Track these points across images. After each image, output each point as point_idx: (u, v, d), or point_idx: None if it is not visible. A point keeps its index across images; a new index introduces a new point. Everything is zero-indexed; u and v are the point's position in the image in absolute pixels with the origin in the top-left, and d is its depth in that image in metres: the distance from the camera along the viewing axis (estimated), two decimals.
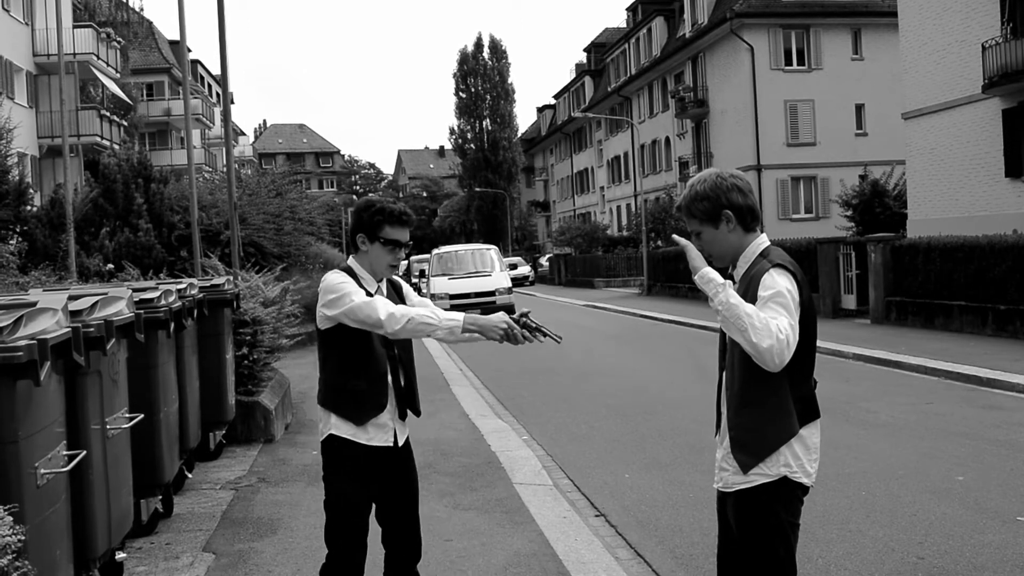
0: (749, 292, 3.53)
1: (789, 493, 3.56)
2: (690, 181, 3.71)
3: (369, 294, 4.29)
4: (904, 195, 28.45)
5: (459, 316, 4.17)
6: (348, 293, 4.20)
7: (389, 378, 4.39)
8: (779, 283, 3.47)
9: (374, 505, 4.44)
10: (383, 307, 4.15)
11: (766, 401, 3.51)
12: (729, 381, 3.66)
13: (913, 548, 6.15)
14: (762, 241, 3.67)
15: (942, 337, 16.84)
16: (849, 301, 22.14)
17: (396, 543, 4.49)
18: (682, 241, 3.58)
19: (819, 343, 11.74)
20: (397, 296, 4.56)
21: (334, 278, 4.31)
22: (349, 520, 4.33)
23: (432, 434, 10.24)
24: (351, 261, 4.45)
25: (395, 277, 4.63)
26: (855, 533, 6.44)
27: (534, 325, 4.18)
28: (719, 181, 3.62)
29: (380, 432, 4.34)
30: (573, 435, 10.39)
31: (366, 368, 4.31)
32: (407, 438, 4.52)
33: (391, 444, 4.37)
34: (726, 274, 3.72)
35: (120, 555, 5.83)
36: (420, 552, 4.54)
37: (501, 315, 4.19)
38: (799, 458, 3.57)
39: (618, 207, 63.01)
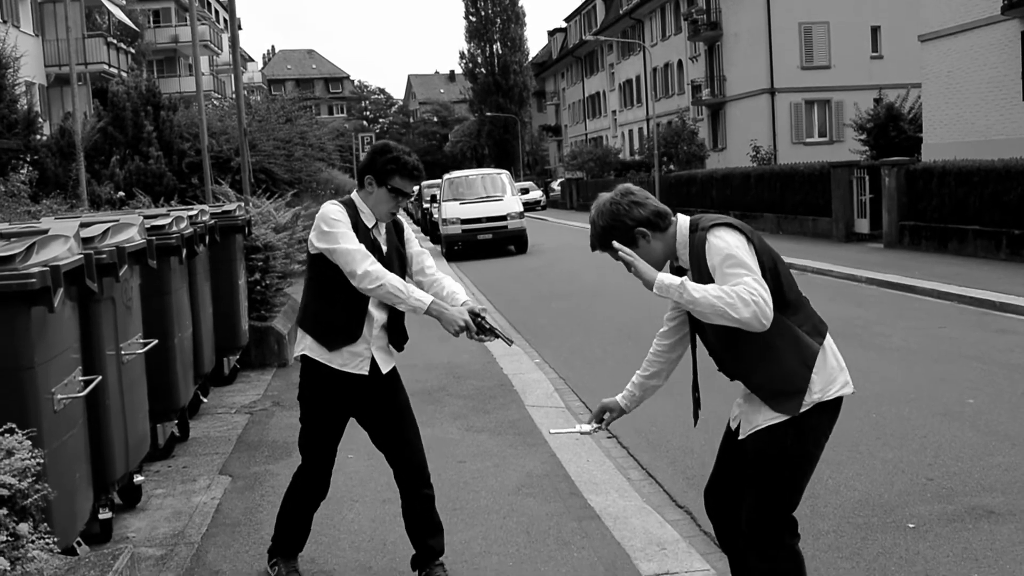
0: (702, 268, 3.50)
1: (817, 421, 3.55)
2: (590, 218, 3.69)
3: (366, 228, 4.40)
4: (919, 119, 28.11)
5: (427, 299, 4.28)
6: (337, 234, 4.30)
7: (371, 309, 4.46)
8: (721, 244, 3.43)
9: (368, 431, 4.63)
10: (363, 262, 4.25)
11: (775, 344, 3.47)
12: (725, 358, 3.64)
13: (923, 470, 6.19)
14: (682, 222, 3.63)
15: (955, 261, 16.77)
16: (862, 225, 22.02)
17: (397, 466, 4.65)
18: (626, 256, 3.51)
19: (832, 267, 11.73)
20: (397, 237, 4.62)
21: (330, 211, 4.39)
22: (318, 434, 4.60)
23: (445, 358, 10.30)
24: (355, 195, 4.53)
25: (399, 219, 4.68)
26: (865, 455, 6.48)
27: (487, 326, 4.33)
28: (615, 208, 3.60)
29: (354, 359, 4.46)
30: (585, 358, 10.44)
31: (344, 298, 4.40)
32: (393, 368, 4.61)
33: (366, 373, 4.48)
34: (677, 271, 3.68)
35: (138, 478, 5.91)
36: (425, 473, 4.65)
37: (463, 311, 4.31)
38: (832, 374, 3.56)
39: (630, 131, 62.50)
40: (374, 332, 4.50)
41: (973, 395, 7.95)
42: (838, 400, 3.60)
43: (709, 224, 3.52)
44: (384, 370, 4.56)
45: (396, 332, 4.58)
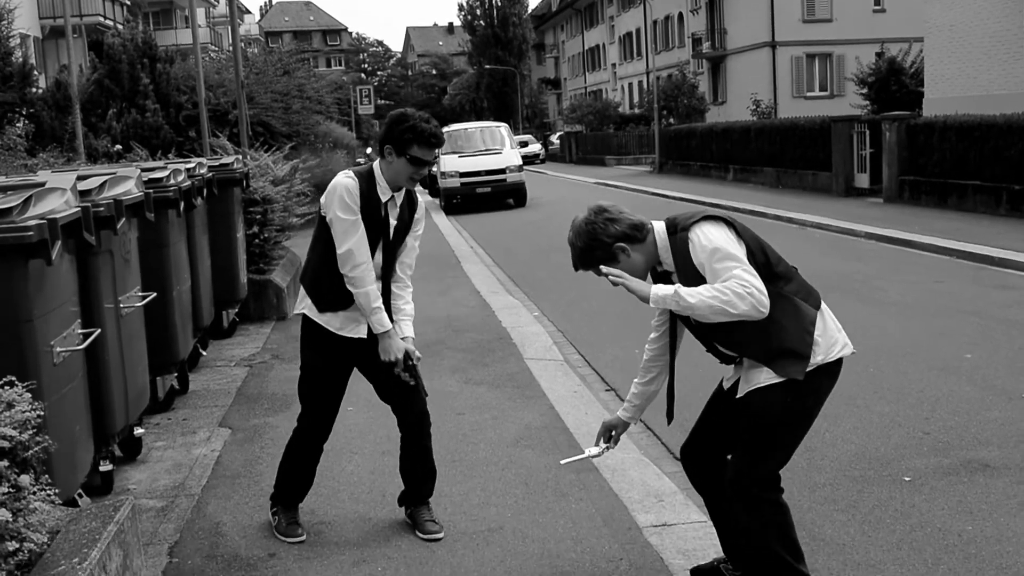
0: (687, 267, 3.52)
1: (819, 383, 3.59)
2: (569, 239, 3.72)
3: (378, 202, 4.45)
4: (921, 73, 27.90)
5: (384, 327, 4.45)
6: (339, 220, 4.39)
7: None
8: (704, 240, 3.47)
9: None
10: (349, 261, 4.37)
11: (774, 316, 3.47)
12: (725, 343, 3.65)
13: (919, 423, 6.22)
14: (658, 228, 3.66)
15: (955, 217, 16.74)
16: (862, 180, 21.94)
17: (400, 416, 4.76)
18: (616, 279, 3.53)
19: (831, 222, 11.75)
20: (408, 212, 4.64)
21: (343, 191, 4.41)
22: (315, 386, 4.71)
23: (444, 311, 10.32)
24: (376, 165, 4.55)
25: (415, 195, 4.73)
26: (862, 408, 6.51)
27: (416, 372, 4.56)
28: (591, 227, 3.62)
29: (350, 323, 4.56)
30: (584, 311, 10.46)
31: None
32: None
33: (364, 336, 4.56)
34: (662, 275, 3.73)
35: (138, 431, 5.94)
36: (425, 424, 4.75)
37: (402, 347, 4.49)
38: (832, 336, 3.60)
39: (630, 84, 62.13)
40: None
41: (970, 350, 7.97)
42: (839, 361, 3.64)
43: (688, 223, 3.56)
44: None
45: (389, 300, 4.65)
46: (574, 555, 4.37)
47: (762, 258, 3.52)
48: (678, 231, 3.58)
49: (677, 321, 3.84)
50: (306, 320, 4.63)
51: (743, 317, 3.36)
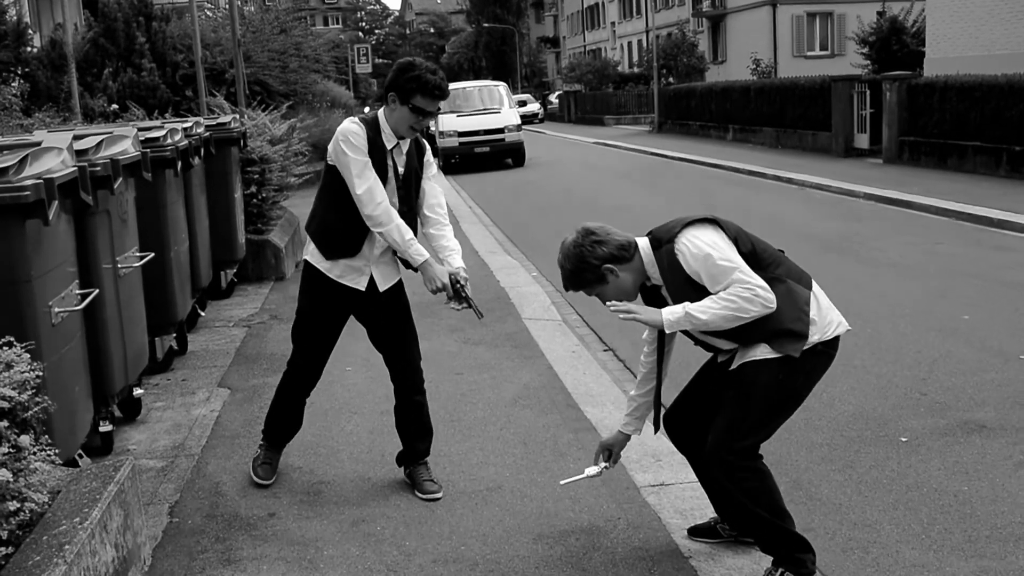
0: (677, 279, 3.56)
1: (814, 363, 3.62)
2: (559, 262, 3.78)
3: (383, 149, 4.45)
4: (923, 32, 27.69)
5: (422, 256, 4.42)
6: (351, 161, 4.37)
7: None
8: (693, 249, 3.51)
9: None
10: (369, 204, 4.36)
11: None
12: (724, 336, 3.65)
13: (916, 384, 6.24)
14: (643, 244, 3.69)
15: (955, 178, 16.69)
16: (862, 140, 21.86)
17: (392, 370, 4.81)
18: (625, 315, 3.62)
19: (830, 182, 11.77)
20: (417, 159, 4.65)
21: (349, 132, 4.43)
22: (307, 331, 4.76)
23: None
24: (380, 112, 4.54)
25: (422, 140, 4.73)
26: (860, 369, 6.53)
27: (464, 295, 4.52)
28: (580, 250, 3.68)
29: (351, 272, 4.59)
30: None
31: (350, 213, 4.46)
32: (395, 284, 4.71)
33: (362, 289, 4.59)
34: (651, 290, 3.77)
35: (137, 391, 5.95)
36: (418, 380, 4.81)
37: (444, 272, 4.48)
38: (826, 314, 3.63)
39: (629, 43, 61.70)
40: (375, 251, 4.59)
41: (969, 311, 7.98)
42: (835, 341, 3.67)
43: (671, 235, 3.58)
44: (382, 287, 4.64)
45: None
46: (572, 514, 4.39)
47: (748, 247, 3.56)
48: (662, 245, 3.61)
49: (665, 337, 3.88)
50: (307, 266, 4.68)
51: (755, 318, 3.43)
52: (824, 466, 5.03)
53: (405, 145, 4.56)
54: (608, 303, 3.69)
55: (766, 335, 3.55)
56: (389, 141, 4.49)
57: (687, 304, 3.49)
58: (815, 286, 3.69)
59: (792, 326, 3.53)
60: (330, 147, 4.50)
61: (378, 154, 4.44)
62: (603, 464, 4.19)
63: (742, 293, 3.39)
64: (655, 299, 3.75)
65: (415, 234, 4.56)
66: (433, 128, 27.27)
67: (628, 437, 4.16)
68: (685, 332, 3.75)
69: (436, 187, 4.74)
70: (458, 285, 4.50)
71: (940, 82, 18.89)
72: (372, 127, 4.47)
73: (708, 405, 3.84)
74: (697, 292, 3.52)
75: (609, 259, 3.66)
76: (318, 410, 5.85)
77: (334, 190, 4.51)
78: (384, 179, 4.47)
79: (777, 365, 3.56)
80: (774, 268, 3.59)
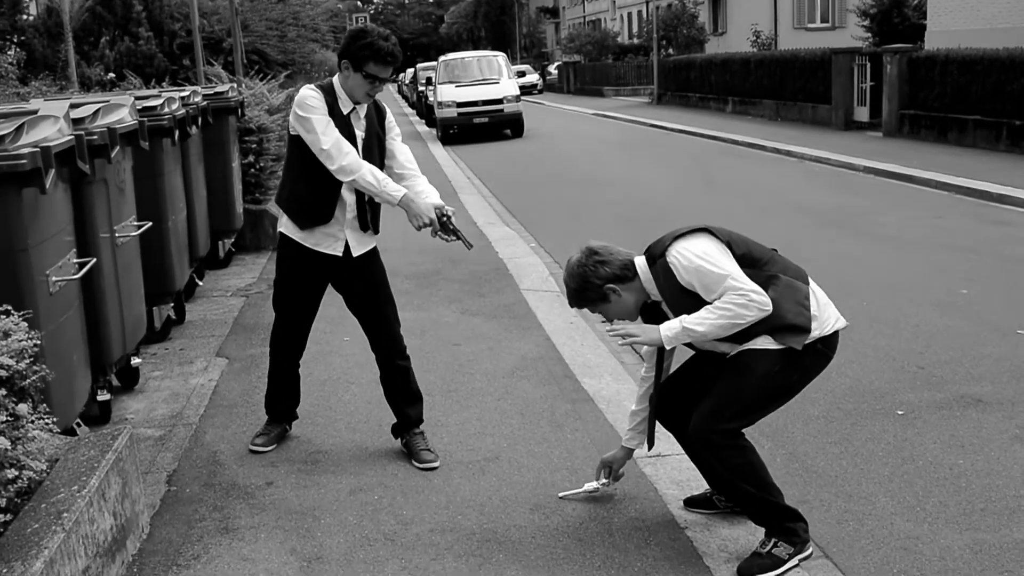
0: (674, 291, 3.59)
1: (810, 362, 3.64)
2: (564, 280, 3.85)
3: (342, 115, 4.48)
4: (924, 5, 27.49)
5: (399, 192, 4.42)
6: (313, 121, 4.39)
7: (344, 193, 4.56)
8: (684, 261, 3.53)
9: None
10: (337, 157, 4.36)
11: (770, 297, 3.53)
12: (729, 340, 3.64)
13: (914, 358, 6.25)
14: (639, 263, 3.72)
15: (955, 152, 16.65)
16: (862, 113, 21.78)
17: (370, 336, 4.87)
18: (624, 341, 3.66)
19: (829, 155, 11.75)
20: (378, 121, 4.68)
21: (306, 97, 4.48)
22: (287, 300, 4.84)
23: (440, 242, 10.26)
24: (335, 79, 4.58)
25: (381, 103, 4.75)
26: (857, 342, 6.53)
27: (451, 227, 4.53)
28: (583, 270, 3.73)
29: (327, 239, 4.63)
30: (581, 242, 10.39)
31: (319, 181, 4.49)
32: (369, 250, 4.74)
33: (339, 254, 4.63)
34: (652, 306, 3.80)
35: (135, 360, 5.96)
36: (399, 345, 4.86)
37: (430, 207, 4.48)
38: (824, 309, 3.65)
39: (629, 14, 61.31)
40: (347, 216, 4.62)
41: (967, 286, 7.98)
42: (834, 336, 3.69)
43: (663, 248, 3.61)
44: (356, 253, 4.68)
45: (364, 214, 4.64)
46: (569, 484, 4.41)
47: (743, 250, 3.58)
48: (656, 260, 3.64)
49: (664, 352, 3.89)
50: (283, 237, 4.73)
51: (752, 323, 3.45)
52: (820, 439, 5.04)
53: (363, 110, 4.59)
54: (608, 329, 3.74)
55: (768, 331, 3.56)
56: (345, 106, 4.52)
57: (684, 318, 3.52)
58: (812, 282, 3.71)
59: (794, 320, 3.55)
60: (291, 117, 4.53)
61: (338, 119, 4.48)
62: (602, 480, 4.26)
63: (736, 300, 3.41)
64: (656, 315, 3.78)
65: None
66: (432, 98, 27.16)
67: (630, 453, 4.21)
68: (687, 344, 3.77)
69: (403, 145, 4.75)
70: (444, 218, 4.51)
71: (941, 55, 18.80)
72: (329, 93, 4.50)
73: (699, 386, 3.85)
74: (694, 302, 3.54)
75: (612, 279, 3.70)
76: (315, 380, 5.87)
77: (300, 160, 4.53)
78: (349, 143, 4.48)
79: (776, 356, 3.57)
80: (770, 267, 3.61)
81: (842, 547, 3.94)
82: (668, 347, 3.64)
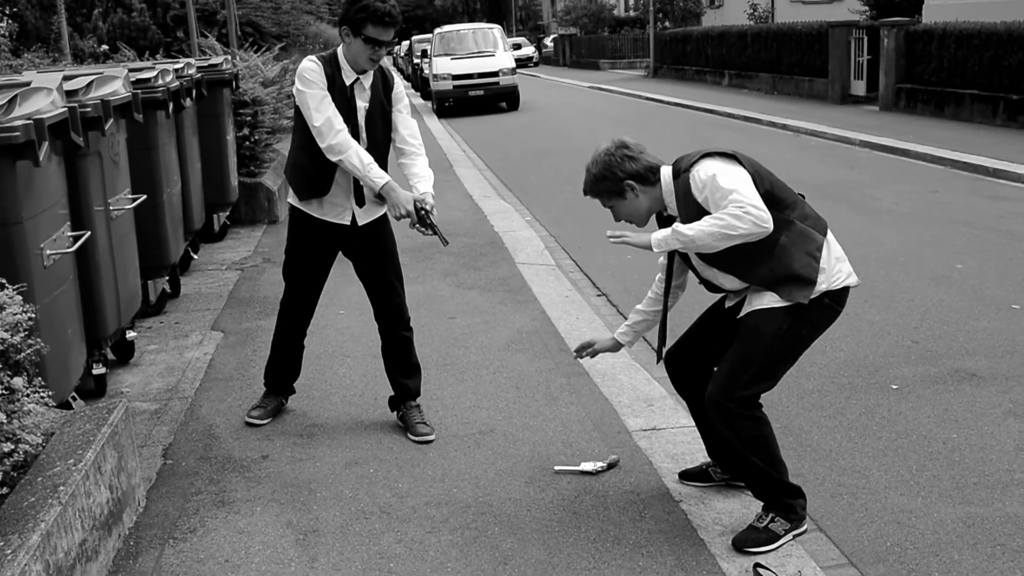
0: (689, 208, 3.53)
1: (819, 314, 3.62)
2: (586, 166, 3.75)
3: (343, 86, 4.47)
4: None
5: (382, 180, 4.41)
6: (308, 95, 4.40)
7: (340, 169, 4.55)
8: (702, 175, 3.47)
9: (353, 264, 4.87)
10: (327, 135, 4.36)
11: (780, 240, 3.51)
12: (733, 274, 3.63)
13: (908, 332, 6.26)
14: (665, 173, 3.66)
15: (951, 126, 16.63)
16: (858, 87, 21.73)
17: (376, 305, 4.87)
18: (617, 240, 3.57)
19: (826, 129, 11.70)
20: (384, 92, 4.65)
21: (305, 70, 4.47)
22: (297, 269, 4.86)
23: (436, 215, 10.27)
24: (339, 49, 4.55)
25: (391, 73, 4.74)
26: (852, 316, 6.54)
27: (429, 221, 4.49)
28: (609, 159, 3.65)
29: (334, 209, 4.65)
30: (576, 216, 10.43)
31: (318, 151, 4.47)
32: (376, 219, 4.73)
33: (347, 223, 4.65)
34: (666, 221, 3.74)
35: (131, 334, 5.95)
36: (403, 316, 4.87)
37: (409, 198, 4.46)
38: (836, 264, 3.61)
39: None
40: (347, 185, 4.62)
41: (962, 260, 7.99)
42: (844, 292, 3.66)
43: (689, 164, 3.56)
44: (361, 222, 4.68)
45: (361, 188, 4.63)
46: (564, 458, 4.42)
47: (766, 187, 3.51)
48: (680, 174, 3.59)
49: (675, 258, 3.85)
50: (292, 209, 4.77)
51: (748, 238, 3.36)
52: (815, 412, 5.06)
53: (368, 80, 4.56)
54: (608, 231, 3.66)
55: (776, 279, 3.53)
56: (348, 77, 4.50)
57: (676, 224, 3.47)
58: (830, 234, 3.65)
59: (801, 271, 3.52)
60: (294, 88, 4.54)
61: (339, 91, 4.46)
62: (599, 464, 4.29)
63: (732, 211, 3.33)
64: None
65: (386, 169, 4.56)
66: (427, 71, 27.03)
67: (618, 347, 4.17)
68: (689, 265, 3.74)
69: (409, 119, 4.72)
70: (423, 211, 4.48)
71: (939, 29, 18.73)
72: (331, 64, 4.48)
73: (710, 349, 3.85)
74: None
75: (634, 176, 3.65)
76: (311, 353, 5.86)
77: (301, 130, 4.56)
78: (349, 116, 4.48)
79: (783, 314, 3.55)
80: (790, 211, 3.56)
81: (836, 520, 3.96)
82: (656, 250, 3.54)
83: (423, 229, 4.52)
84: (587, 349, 4.24)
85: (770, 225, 3.35)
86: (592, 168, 3.73)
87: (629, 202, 3.70)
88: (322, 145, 4.38)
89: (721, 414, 3.65)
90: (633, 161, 3.65)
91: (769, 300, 3.57)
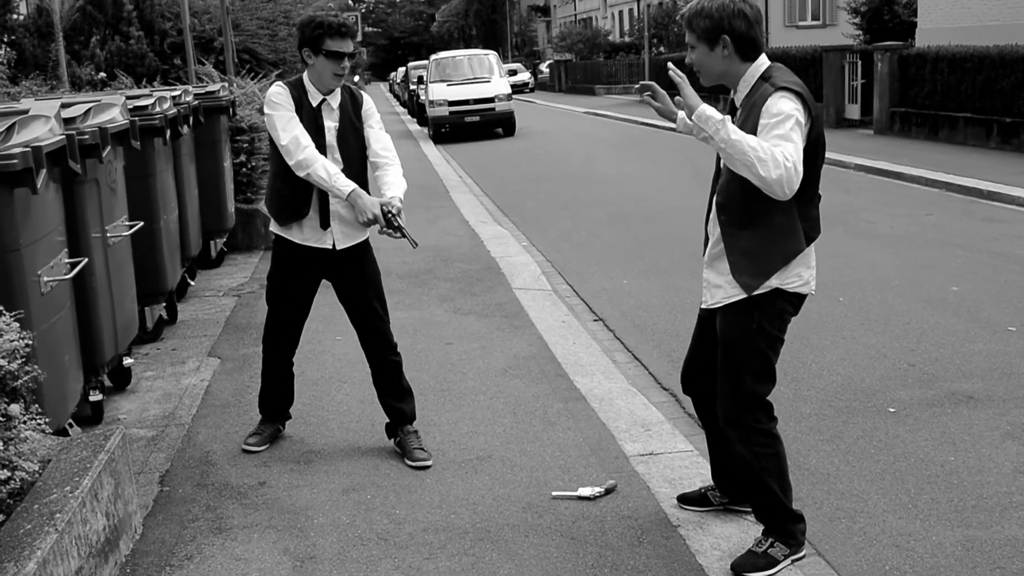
0: (751, 119, 3.43)
1: (780, 306, 3.60)
2: None
3: (311, 109, 4.56)
4: (915, 3, 27.56)
5: (347, 188, 4.45)
6: (274, 118, 4.50)
7: (317, 190, 4.61)
8: (783, 106, 3.35)
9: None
10: (295, 152, 4.43)
11: (773, 221, 3.49)
12: (726, 204, 3.61)
13: (905, 355, 6.27)
14: (762, 63, 3.53)
15: (945, 149, 16.69)
16: (853, 111, 21.83)
17: (360, 332, 4.91)
18: (677, 78, 3.43)
19: None
20: (353, 110, 4.73)
21: (271, 94, 4.59)
22: (279, 295, 4.88)
23: (432, 240, 10.29)
24: (304, 74, 4.65)
25: (360, 93, 4.84)
26: (848, 340, 6.55)
27: (396, 224, 4.51)
28: (727, 3, 3.47)
29: (315, 234, 4.69)
30: (573, 241, 10.45)
31: (291, 175, 4.54)
32: (357, 244, 4.76)
33: (329, 247, 4.69)
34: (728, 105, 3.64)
35: (128, 360, 5.95)
36: (389, 341, 4.88)
37: (375, 203, 4.48)
38: (801, 273, 3.59)
39: (620, 12, 61.30)
40: (332, 208, 4.66)
41: (957, 282, 8.00)
42: (797, 296, 3.62)
43: (782, 84, 3.43)
44: (340, 246, 4.71)
45: (326, 212, 4.66)
46: (562, 483, 4.41)
47: (810, 171, 3.42)
48: (767, 81, 3.47)
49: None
50: (275, 236, 4.83)
51: (765, 186, 3.26)
52: (812, 436, 5.06)
53: (335, 100, 4.65)
54: (670, 66, 3.49)
55: (743, 245, 3.53)
56: (315, 98, 4.59)
57: (729, 119, 3.35)
58: (812, 247, 3.62)
59: (764, 264, 3.51)
60: (264, 114, 4.65)
61: (307, 113, 4.55)
62: (597, 489, 4.29)
63: (778, 154, 3.22)
64: None
65: (367, 188, 4.61)
66: (423, 97, 27.12)
67: (675, 117, 4.00)
68: (716, 181, 3.69)
69: (381, 134, 4.77)
70: (390, 214, 4.50)
71: (932, 53, 18.84)
72: (297, 88, 4.60)
73: (708, 361, 3.85)
74: None
75: (734, 36, 3.48)
76: (308, 379, 5.86)
77: (275, 157, 4.65)
78: (318, 136, 4.54)
79: (745, 311, 3.56)
80: (805, 208, 3.53)
81: (834, 544, 3.95)
82: (694, 119, 3.39)
83: (391, 232, 4.55)
84: (651, 91, 3.93)
85: (790, 193, 3.28)
86: (706, 0, 3.52)
87: (714, 56, 3.53)
88: (290, 163, 4.45)
89: (736, 428, 3.66)
90: (746, 23, 3.47)
91: (724, 294, 3.60)
